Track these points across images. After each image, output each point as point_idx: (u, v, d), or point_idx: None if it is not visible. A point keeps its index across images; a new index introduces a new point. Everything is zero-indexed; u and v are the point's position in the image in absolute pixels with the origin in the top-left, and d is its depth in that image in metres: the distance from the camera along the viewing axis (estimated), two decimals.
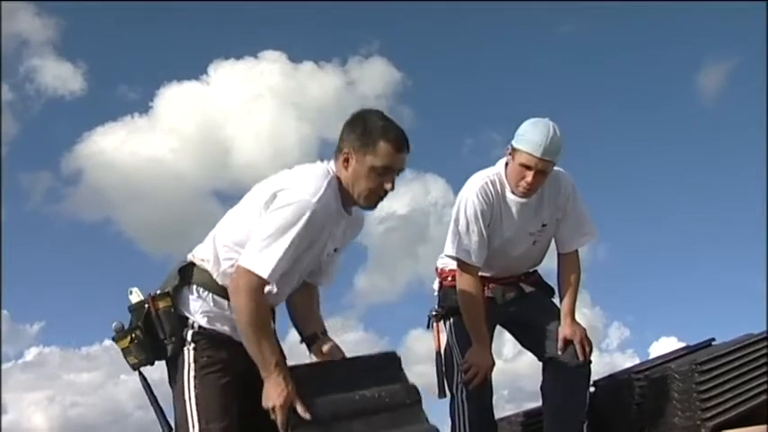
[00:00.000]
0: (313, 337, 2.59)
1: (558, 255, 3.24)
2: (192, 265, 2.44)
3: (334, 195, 2.34)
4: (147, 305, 2.41)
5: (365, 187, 2.36)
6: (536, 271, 3.33)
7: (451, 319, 3.21)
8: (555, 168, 3.03)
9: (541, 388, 3.16)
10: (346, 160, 2.35)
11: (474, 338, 3.08)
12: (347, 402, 2.33)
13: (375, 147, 2.33)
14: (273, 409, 2.21)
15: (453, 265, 3.17)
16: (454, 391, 3.14)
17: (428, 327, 3.31)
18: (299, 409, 2.23)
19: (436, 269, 3.37)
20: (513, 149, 2.97)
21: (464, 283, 3.09)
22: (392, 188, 2.39)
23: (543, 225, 3.13)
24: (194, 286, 2.41)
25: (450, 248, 3.09)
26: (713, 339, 3.41)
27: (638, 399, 3.08)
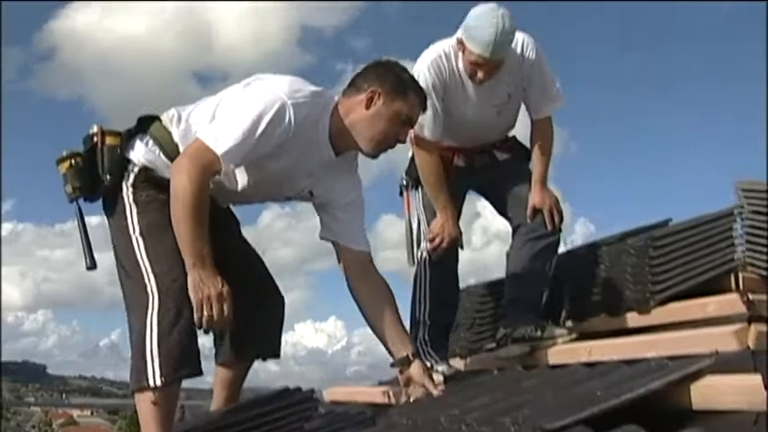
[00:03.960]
0: (403, 360, 2.57)
1: (531, 121, 3.22)
2: (156, 118, 2.42)
3: (315, 117, 2.33)
4: (95, 137, 2.40)
5: (383, 130, 2.38)
6: (512, 137, 3.32)
7: (420, 189, 3.24)
8: (517, 33, 2.97)
9: (507, 254, 3.21)
10: (371, 99, 2.35)
11: (438, 209, 3.12)
12: None
13: (407, 96, 2.39)
14: (210, 297, 2.16)
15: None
16: (418, 258, 3.21)
17: (400, 194, 3.36)
18: (227, 306, 2.19)
19: (410, 139, 3.36)
20: (463, 41, 2.90)
21: (421, 157, 3.11)
22: (404, 141, 2.48)
23: (508, 96, 3.10)
24: (147, 137, 2.40)
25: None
26: (670, 219, 3.48)
27: (593, 272, 3.17)
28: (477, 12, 2.88)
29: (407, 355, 2.55)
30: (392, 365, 2.64)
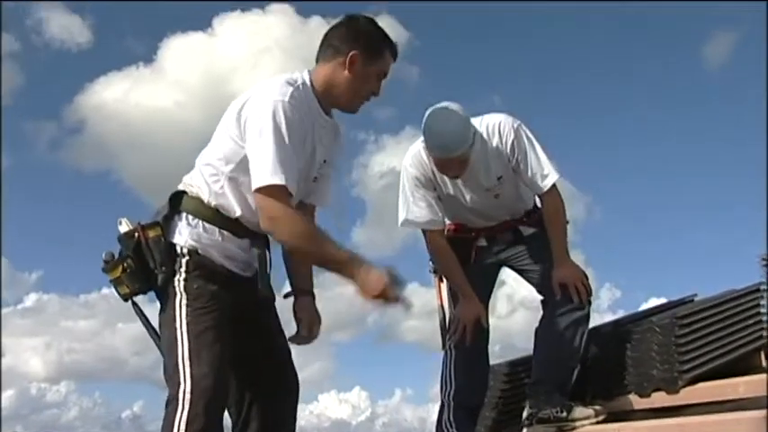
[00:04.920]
0: (298, 292, 2.62)
1: (538, 196, 3.20)
2: (183, 193, 2.44)
3: (305, 96, 2.39)
4: (136, 234, 2.39)
5: (363, 89, 2.48)
6: (540, 209, 3.25)
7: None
8: (495, 116, 3.04)
9: (536, 330, 3.18)
10: (352, 62, 2.42)
11: (459, 293, 3.14)
12: None
13: (383, 55, 2.48)
14: (380, 294, 2.22)
15: None
16: (446, 338, 3.22)
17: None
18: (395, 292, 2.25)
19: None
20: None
21: (431, 246, 3.17)
22: (378, 95, 2.53)
23: (498, 178, 3.09)
24: (184, 214, 2.41)
25: (400, 218, 3.14)
26: (695, 295, 3.45)
27: (619, 351, 3.13)
28: (428, 114, 2.95)
29: (296, 289, 2.63)
30: (285, 296, 2.65)
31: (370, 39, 2.47)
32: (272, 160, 2.23)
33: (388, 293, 2.24)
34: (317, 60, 2.50)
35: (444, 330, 3.25)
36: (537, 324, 3.19)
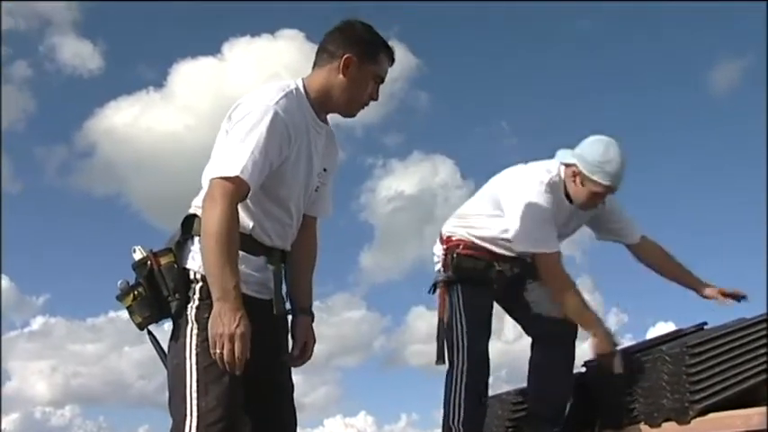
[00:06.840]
0: (297, 311, 2.54)
1: (633, 245, 3.43)
2: (195, 216, 2.36)
3: (296, 103, 2.35)
4: (149, 262, 2.33)
5: (359, 93, 2.43)
6: None
7: (460, 288, 3.22)
8: None
9: (531, 365, 3.25)
10: (346, 66, 2.37)
11: (594, 324, 3.15)
12: None
13: (378, 57, 2.43)
14: (222, 336, 2.10)
15: (463, 233, 3.26)
16: (455, 359, 3.17)
17: (430, 292, 3.34)
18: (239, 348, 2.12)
19: (441, 236, 3.36)
20: (583, 175, 3.05)
21: (559, 267, 3.16)
22: (377, 99, 2.49)
23: (579, 226, 3.34)
24: (197, 238, 2.32)
25: (537, 242, 3.13)
26: (705, 323, 3.42)
27: (628, 380, 3.09)
28: (600, 146, 3.07)
29: (298, 308, 2.53)
30: (285, 313, 2.51)
31: (365, 42, 2.42)
32: (242, 154, 2.18)
33: (231, 339, 2.11)
34: (314, 66, 2.46)
35: (442, 344, 3.21)
36: (531, 358, 3.26)
